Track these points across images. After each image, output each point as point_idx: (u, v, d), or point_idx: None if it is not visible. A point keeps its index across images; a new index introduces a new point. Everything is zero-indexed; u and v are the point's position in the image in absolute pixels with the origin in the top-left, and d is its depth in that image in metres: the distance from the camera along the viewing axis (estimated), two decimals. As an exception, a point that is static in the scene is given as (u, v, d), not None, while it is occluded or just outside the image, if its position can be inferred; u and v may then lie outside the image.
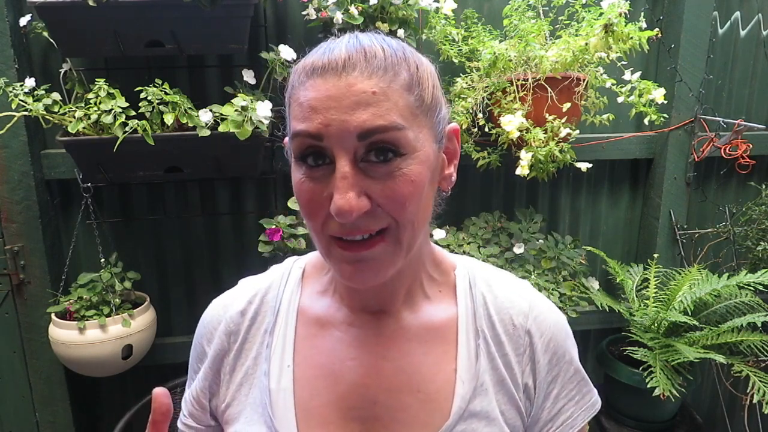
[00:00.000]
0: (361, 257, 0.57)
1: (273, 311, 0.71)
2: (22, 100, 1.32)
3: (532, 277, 1.60)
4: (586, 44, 1.38)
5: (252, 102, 1.36)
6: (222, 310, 0.73)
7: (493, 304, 0.69)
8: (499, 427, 0.64)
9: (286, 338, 0.69)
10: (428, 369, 0.66)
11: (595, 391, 0.73)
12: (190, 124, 1.36)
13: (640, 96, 1.44)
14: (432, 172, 0.59)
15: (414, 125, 0.56)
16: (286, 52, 1.41)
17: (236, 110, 1.35)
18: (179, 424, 0.75)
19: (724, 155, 1.70)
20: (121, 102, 1.33)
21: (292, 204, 1.53)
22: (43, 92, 1.34)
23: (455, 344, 0.67)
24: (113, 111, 1.31)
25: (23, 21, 1.42)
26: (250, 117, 1.34)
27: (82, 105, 1.34)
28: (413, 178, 0.55)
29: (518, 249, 1.64)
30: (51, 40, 1.45)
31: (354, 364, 0.66)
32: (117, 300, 1.50)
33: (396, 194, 0.55)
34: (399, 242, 0.58)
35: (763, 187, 1.81)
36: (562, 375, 0.69)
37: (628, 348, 1.53)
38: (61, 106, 1.36)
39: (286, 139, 0.66)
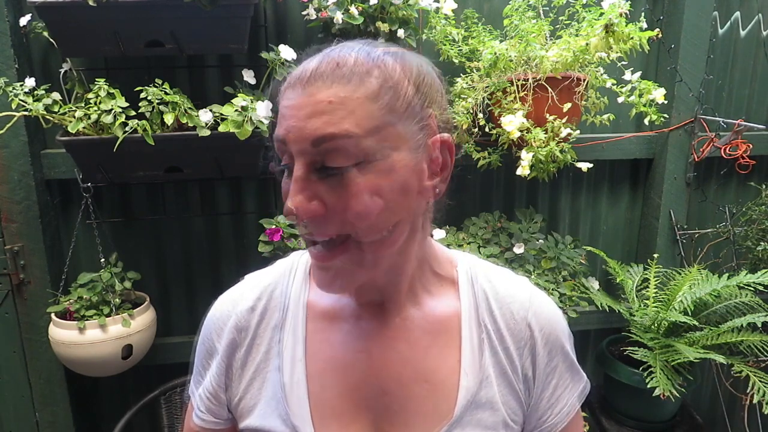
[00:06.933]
0: (324, 267, 0.60)
1: (281, 307, 0.73)
2: (22, 100, 1.31)
3: (532, 277, 1.60)
4: (587, 44, 1.38)
5: (252, 102, 1.36)
6: (231, 306, 0.74)
7: (494, 298, 0.72)
8: (501, 415, 0.68)
9: (297, 333, 0.71)
10: (433, 360, 0.69)
11: (584, 374, 0.76)
12: (190, 124, 1.36)
13: (640, 96, 1.44)
14: (406, 182, 0.58)
15: (375, 134, 0.55)
16: (286, 52, 1.40)
17: (236, 110, 1.35)
18: (195, 419, 0.76)
19: (724, 155, 1.70)
20: (121, 102, 1.33)
21: (292, 204, 1.53)
22: (43, 92, 1.34)
23: (458, 337, 0.70)
24: (113, 111, 1.31)
25: (23, 21, 1.42)
26: (250, 117, 1.34)
27: (82, 105, 1.34)
28: (371, 189, 0.55)
29: (518, 249, 1.64)
30: (51, 40, 1.45)
31: (363, 356, 0.69)
32: (117, 300, 1.50)
33: (350, 205, 0.55)
34: (362, 253, 0.59)
35: (763, 187, 1.81)
36: (560, 366, 0.73)
37: (628, 348, 1.53)
38: (61, 106, 1.36)
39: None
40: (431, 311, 0.71)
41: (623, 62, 1.41)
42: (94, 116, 1.31)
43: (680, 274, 1.65)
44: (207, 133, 1.35)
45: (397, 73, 0.58)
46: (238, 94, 1.38)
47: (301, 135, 0.55)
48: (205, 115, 1.37)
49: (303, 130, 0.55)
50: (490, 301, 0.72)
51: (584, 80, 1.45)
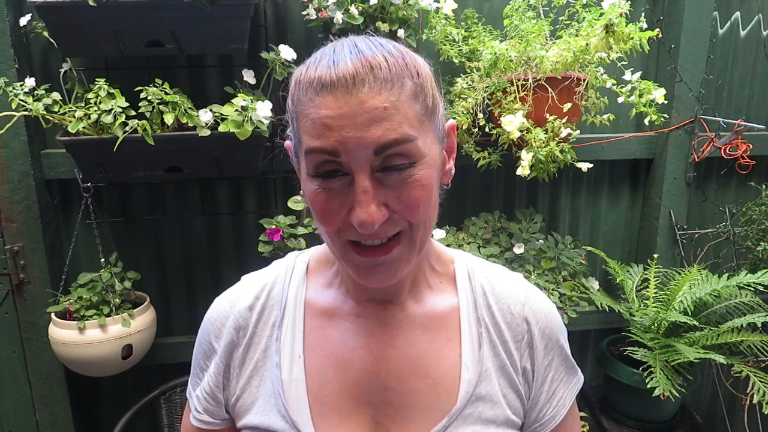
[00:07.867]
0: (380, 261, 0.60)
1: (280, 305, 0.73)
2: (22, 100, 1.32)
3: (532, 277, 1.60)
4: (587, 44, 1.38)
5: (252, 102, 1.36)
6: (229, 306, 0.75)
7: (492, 294, 0.74)
8: (502, 409, 0.69)
9: (295, 330, 0.71)
10: (433, 355, 0.70)
11: (578, 368, 0.78)
12: (190, 124, 1.36)
13: (640, 96, 1.43)
14: (438, 172, 0.63)
15: (422, 132, 0.59)
16: (286, 52, 1.41)
17: (236, 110, 1.35)
18: (192, 420, 0.76)
19: (724, 155, 1.70)
20: (121, 102, 1.33)
21: (292, 204, 1.53)
22: (43, 92, 1.34)
23: (458, 332, 0.71)
24: (113, 111, 1.31)
25: (23, 21, 1.42)
26: (250, 117, 1.34)
27: (82, 105, 1.34)
28: (424, 182, 0.58)
29: (518, 249, 1.64)
30: (51, 40, 1.45)
31: (363, 352, 0.69)
32: (117, 300, 1.50)
33: (410, 200, 0.58)
34: (413, 242, 0.62)
35: (763, 187, 1.81)
36: (556, 359, 0.75)
37: (628, 348, 1.53)
38: (61, 106, 1.36)
39: (288, 143, 0.68)
40: (431, 306, 0.72)
41: (623, 62, 1.41)
42: (94, 116, 1.31)
43: (680, 274, 1.65)
44: (207, 133, 1.35)
45: (422, 69, 0.60)
46: (238, 94, 1.38)
47: (360, 144, 0.54)
48: (205, 115, 1.37)
49: (363, 140, 0.54)
50: (488, 297, 0.73)
51: (584, 80, 1.45)
